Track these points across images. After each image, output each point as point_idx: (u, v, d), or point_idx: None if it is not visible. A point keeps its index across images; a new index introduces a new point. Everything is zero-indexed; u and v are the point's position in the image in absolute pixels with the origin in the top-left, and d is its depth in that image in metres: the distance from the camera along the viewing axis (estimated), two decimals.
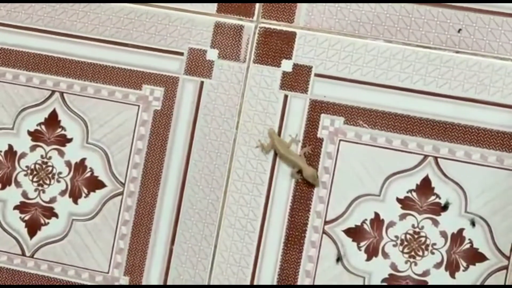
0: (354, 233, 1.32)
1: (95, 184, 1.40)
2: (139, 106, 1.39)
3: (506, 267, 1.28)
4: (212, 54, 1.38)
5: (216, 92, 1.37)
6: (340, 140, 1.33)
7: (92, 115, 1.40)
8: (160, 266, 1.37)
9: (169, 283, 1.36)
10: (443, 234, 1.30)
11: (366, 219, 1.32)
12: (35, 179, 1.41)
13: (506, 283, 1.27)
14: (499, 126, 1.29)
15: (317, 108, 1.34)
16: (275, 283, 1.34)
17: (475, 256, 1.29)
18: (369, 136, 1.33)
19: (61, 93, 1.41)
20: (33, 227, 1.41)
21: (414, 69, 1.32)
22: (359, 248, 1.32)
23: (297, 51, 1.35)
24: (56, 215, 1.40)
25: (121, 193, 1.39)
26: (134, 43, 1.40)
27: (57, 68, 1.41)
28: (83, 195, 1.40)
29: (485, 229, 1.29)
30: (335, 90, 1.34)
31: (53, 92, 1.42)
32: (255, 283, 1.34)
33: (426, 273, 1.30)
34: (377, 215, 1.32)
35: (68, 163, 1.41)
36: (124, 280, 1.38)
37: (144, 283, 1.37)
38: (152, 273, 1.37)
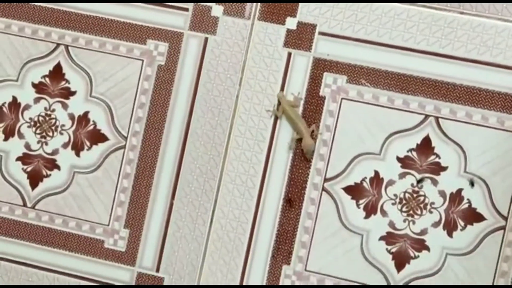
0: (354, 190, 1.33)
1: (97, 137, 1.40)
2: (143, 60, 1.40)
3: (503, 228, 1.28)
4: (217, 11, 1.38)
5: (220, 48, 1.37)
6: (342, 99, 1.34)
7: (97, 69, 1.41)
8: (160, 219, 1.38)
9: (168, 236, 1.37)
10: (442, 193, 1.30)
11: (365, 177, 1.33)
12: (38, 131, 1.42)
13: (503, 244, 1.28)
14: (501, 87, 1.30)
15: (320, 66, 1.34)
16: (274, 240, 1.35)
17: (473, 216, 1.30)
18: (371, 95, 1.33)
19: (66, 46, 1.42)
20: (35, 179, 1.42)
21: (418, 29, 1.32)
22: (358, 205, 1.33)
23: (301, 9, 1.35)
24: (58, 167, 1.41)
25: (123, 147, 1.40)
26: None
27: (62, 21, 1.42)
28: (86, 148, 1.41)
29: (484, 189, 1.29)
30: (338, 48, 1.34)
31: (58, 45, 1.42)
32: (253, 239, 1.35)
33: (424, 231, 1.31)
34: (376, 173, 1.32)
35: (71, 116, 1.41)
36: (124, 233, 1.39)
37: (143, 236, 1.38)
38: (152, 227, 1.38)
